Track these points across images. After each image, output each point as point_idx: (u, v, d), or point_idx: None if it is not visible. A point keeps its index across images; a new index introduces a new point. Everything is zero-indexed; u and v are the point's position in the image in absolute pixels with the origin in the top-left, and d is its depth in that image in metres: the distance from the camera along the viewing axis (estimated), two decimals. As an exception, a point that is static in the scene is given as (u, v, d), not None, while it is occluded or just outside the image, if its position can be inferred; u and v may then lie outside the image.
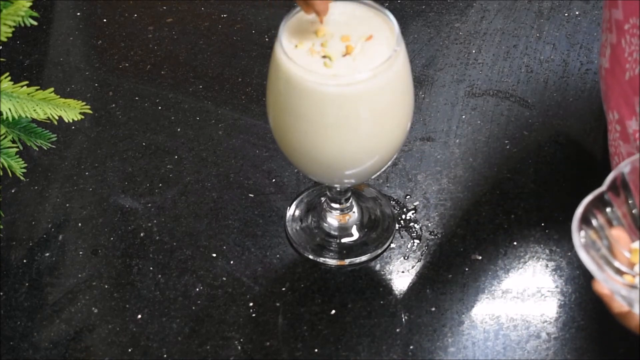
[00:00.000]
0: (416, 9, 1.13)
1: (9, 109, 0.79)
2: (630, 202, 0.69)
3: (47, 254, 0.90)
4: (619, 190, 0.69)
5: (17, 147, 0.85)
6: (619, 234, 0.68)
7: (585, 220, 0.68)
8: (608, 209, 0.69)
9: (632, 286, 0.65)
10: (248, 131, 1.01)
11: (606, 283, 0.64)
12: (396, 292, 0.87)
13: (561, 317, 0.85)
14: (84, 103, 0.84)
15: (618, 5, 0.81)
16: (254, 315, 0.85)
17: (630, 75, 0.80)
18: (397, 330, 0.84)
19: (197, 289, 0.87)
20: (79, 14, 1.14)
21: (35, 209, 0.94)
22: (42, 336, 0.84)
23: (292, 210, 0.93)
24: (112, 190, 0.95)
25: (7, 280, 0.88)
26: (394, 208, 0.93)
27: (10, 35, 0.76)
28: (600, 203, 0.68)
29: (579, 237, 0.66)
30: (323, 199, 0.92)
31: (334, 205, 0.90)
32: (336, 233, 0.91)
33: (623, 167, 0.69)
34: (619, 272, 0.67)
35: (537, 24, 1.10)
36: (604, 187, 0.68)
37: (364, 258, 0.89)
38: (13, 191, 0.95)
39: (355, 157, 0.79)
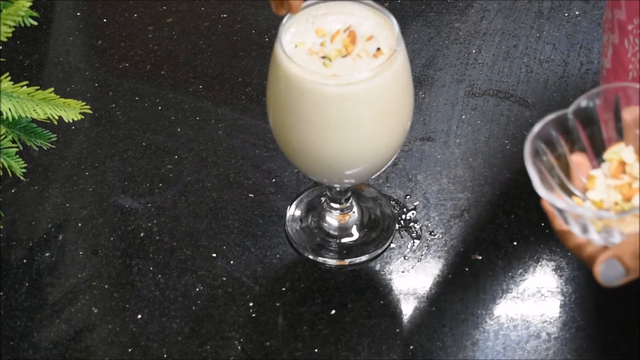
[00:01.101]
0: (416, 9, 1.13)
1: (9, 109, 0.79)
2: (591, 131, 0.70)
3: (47, 254, 0.90)
4: (584, 117, 0.69)
5: (17, 147, 0.85)
6: (579, 160, 0.69)
7: (545, 139, 0.68)
8: (570, 134, 0.69)
9: (576, 210, 0.65)
10: (248, 131, 1.01)
11: (548, 197, 0.65)
12: (396, 292, 0.87)
13: (561, 317, 0.85)
14: (84, 103, 0.84)
15: (621, 6, 0.81)
16: (254, 315, 0.85)
17: (633, 75, 0.80)
18: (397, 330, 0.84)
19: (197, 289, 0.87)
20: (79, 14, 1.14)
21: (35, 209, 0.94)
22: (42, 336, 0.84)
23: (292, 210, 0.93)
24: (112, 190, 0.95)
25: (7, 280, 0.88)
26: (394, 208, 0.93)
27: (10, 35, 0.76)
28: (562, 126, 0.69)
29: (529, 147, 0.67)
30: (323, 199, 0.92)
31: (334, 205, 0.90)
32: (336, 233, 0.91)
33: (593, 95, 0.69)
34: (570, 194, 0.68)
35: (537, 24, 1.10)
36: (569, 110, 0.69)
37: (364, 258, 0.89)
38: (13, 191, 0.95)
39: (355, 157, 0.79)
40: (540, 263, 0.89)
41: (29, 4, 0.76)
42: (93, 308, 0.86)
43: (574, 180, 0.69)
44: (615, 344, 0.82)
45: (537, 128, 0.68)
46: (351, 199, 0.91)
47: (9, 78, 0.79)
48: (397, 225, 0.92)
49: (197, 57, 1.08)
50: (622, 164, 0.68)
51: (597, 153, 0.70)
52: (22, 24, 0.77)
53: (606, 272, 0.65)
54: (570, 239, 0.67)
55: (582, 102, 0.69)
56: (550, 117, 0.69)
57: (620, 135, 0.69)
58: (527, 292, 0.87)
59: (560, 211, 0.66)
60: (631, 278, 0.65)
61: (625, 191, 0.66)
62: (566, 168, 0.69)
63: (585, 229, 0.65)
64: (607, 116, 0.69)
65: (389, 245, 0.90)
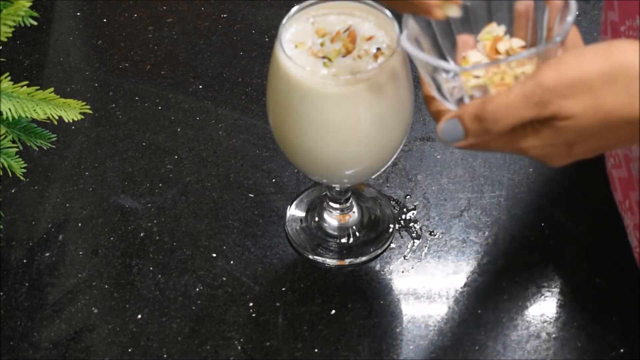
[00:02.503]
0: (416, 9, 1.12)
1: (9, 109, 0.79)
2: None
3: (47, 254, 0.90)
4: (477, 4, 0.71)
5: (17, 147, 0.85)
6: (466, 39, 0.70)
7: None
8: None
9: (427, 60, 0.66)
10: (248, 131, 1.01)
11: (408, 48, 0.66)
12: (396, 292, 0.87)
13: (561, 317, 0.85)
14: (84, 103, 0.84)
15: (614, 8, 0.81)
16: (254, 315, 0.85)
17: None
18: (397, 330, 0.85)
19: (197, 289, 0.87)
20: (79, 14, 1.14)
21: (35, 209, 0.94)
22: (42, 336, 0.84)
23: (292, 210, 0.93)
24: (112, 190, 0.95)
25: (7, 280, 0.88)
26: (394, 208, 0.93)
27: (10, 35, 0.76)
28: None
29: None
30: (323, 199, 0.92)
31: (334, 205, 0.90)
32: (336, 233, 0.91)
33: None
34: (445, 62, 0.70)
35: (537, 24, 1.10)
36: None
37: (364, 258, 0.89)
38: (13, 191, 0.95)
39: (355, 157, 0.79)
40: (540, 263, 0.89)
41: (29, 4, 0.76)
42: (93, 308, 0.86)
43: (457, 59, 0.70)
44: (615, 344, 0.82)
45: None
46: (351, 199, 0.91)
47: (9, 78, 0.79)
48: (397, 225, 0.92)
49: (197, 57, 1.08)
50: (496, 42, 0.69)
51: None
52: (22, 24, 0.77)
53: (447, 130, 0.66)
54: (432, 104, 0.69)
55: None
56: None
57: (508, 24, 0.71)
58: (527, 292, 0.87)
59: (417, 62, 0.67)
60: (470, 142, 0.65)
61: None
62: (453, 49, 0.71)
63: (439, 88, 0.67)
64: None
65: (389, 245, 0.90)
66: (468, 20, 0.72)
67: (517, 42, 0.69)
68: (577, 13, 0.63)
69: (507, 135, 0.65)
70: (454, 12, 0.69)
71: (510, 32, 0.71)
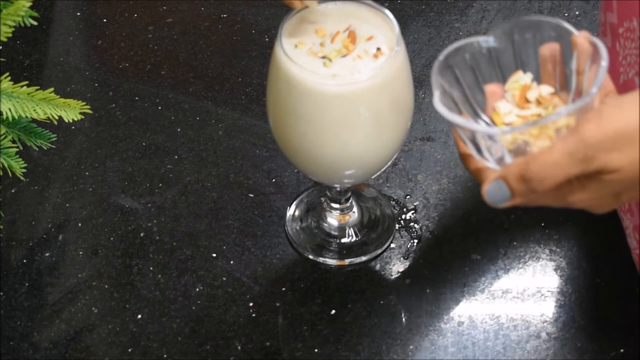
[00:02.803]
0: (416, 9, 1.13)
1: (9, 109, 0.79)
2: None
3: (47, 254, 0.90)
4: (501, 50, 0.70)
5: (17, 147, 0.85)
6: (494, 89, 0.70)
7: (458, 64, 0.69)
8: (481, 64, 0.70)
9: (467, 125, 0.65)
10: (248, 131, 1.01)
11: (443, 111, 0.65)
12: (396, 292, 0.87)
13: (561, 317, 0.85)
14: (84, 103, 0.84)
15: (613, 9, 0.81)
16: (254, 315, 0.85)
17: (624, 79, 0.80)
18: (397, 330, 0.85)
19: (197, 289, 0.87)
20: (79, 14, 1.14)
21: (35, 209, 0.94)
22: (42, 336, 0.84)
23: (292, 210, 0.93)
24: (112, 190, 0.95)
25: (7, 280, 0.88)
26: (394, 208, 0.93)
27: (10, 35, 0.76)
28: (476, 55, 0.70)
29: (439, 64, 0.68)
30: (323, 199, 0.92)
31: (334, 205, 0.90)
32: (336, 233, 0.91)
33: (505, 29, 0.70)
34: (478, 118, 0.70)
35: (537, 24, 1.10)
36: (480, 39, 0.70)
37: (364, 258, 0.89)
38: (13, 191, 0.95)
39: (355, 157, 0.79)
40: (540, 263, 0.89)
41: (29, 4, 0.76)
42: (93, 308, 0.86)
43: (487, 110, 0.70)
44: (615, 344, 0.82)
45: (449, 49, 0.69)
46: (351, 199, 0.91)
47: (9, 78, 0.79)
48: (397, 225, 0.92)
49: (197, 57, 1.08)
50: (525, 91, 0.69)
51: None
52: (22, 24, 0.77)
53: (493, 192, 0.65)
54: (471, 162, 0.69)
55: (496, 34, 0.70)
56: (464, 42, 0.69)
57: (535, 70, 0.70)
58: (527, 292, 0.87)
59: (456, 128, 0.66)
60: (517, 202, 0.65)
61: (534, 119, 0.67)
62: (482, 99, 0.70)
63: (479, 149, 0.66)
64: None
65: (389, 245, 0.90)
66: (493, 66, 0.71)
67: (546, 89, 0.68)
68: (607, 58, 0.63)
69: (554, 191, 0.64)
70: (313, 4, 0.70)
71: (537, 78, 0.70)
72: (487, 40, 0.70)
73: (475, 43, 0.70)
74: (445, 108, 0.66)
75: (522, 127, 0.64)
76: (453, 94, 0.69)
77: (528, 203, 0.65)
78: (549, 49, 0.69)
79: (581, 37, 0.66)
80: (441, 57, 0.68)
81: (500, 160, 0.66)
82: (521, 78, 0.69)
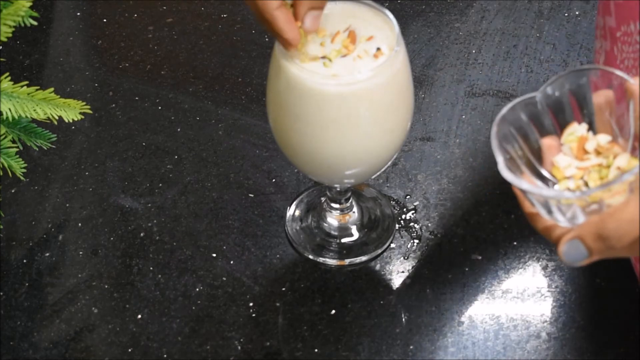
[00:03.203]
0: (416, 9, 1.13)
1: (9, 109, 0.79)
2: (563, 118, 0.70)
3: (47, 254, 0.90)
4: (553, 102, 0.70)
5: (17, 147, 0.85)
6: (550, 143, 0.69)
7: (514, 122, 0.69)
8: (540, 118, 0.69)
9: (536, 190, 0.65)
10: (248, 131, 1.01)
11: (510, 179, 0.65)
12: (396, 292, 0.87)
13: (561, 317, 0.85)
14: (84, 103, 0.84)
15: (611, 12, 0.81)
16: (254, 315, 0.85)
17: None
18: (397, 330, 0.85)
19: (197, 289, 0.87)
20: (79, 14, 1.14)
21: (35, 209, 0.94)
22: (42, 336, 0.84)
23: (292, 210, 0.93)
24: (112, 190, 0.95)
25: (7, 280, 0.88)
26: (394, 208, 0.93)
27: (10, 35, 0.76)
28: (531, 109, 0.69)
29: (496, 129, 0.67)
30: (323, 199, 0.92)
31: (334, 205, 0.90)
32: (336, 233, 0.91)
33: (561, 79, 0.69)
34: (541, 177, 0.69)
35: (537, 24, 1.10)
36: (537, 94, 0.69)
37: (364, 258, 0.89)
38: (13, 191, 0.95)
39: (355, 157, 0.79)
40: (540, 263, 0.89)
41: (29, 4, 0.76)
42: (93, 308, 0.86)
43: (546, 164, 0.69)
44: (615, 344, 0.82)
45: (504, 110, 0.68)
46: (351, 199, 0.91)
47: (9, 78, 0.79)
48: (397, 225, 0.92)
49: (197, 57, 1.08)
50: (582, 143, 0.68)
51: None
52: (22, 24, 0.77)
53: (570, 252, 0.65)
54: (539, 221, 0.68)
55: (548, 88, 0.69)
56: (519, 100, 0.69)
57: (588, 119, 0.69)
58: (527, 292, 0.87)
59: (526, 193, 0.66)
60: (594, 259, 0.65)
61: (597, 172, 0.67)
62: (538, 152, 0.70)
63: (549, 210, 0.66)
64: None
65: (389, 245, 0.90)
66: (546, 119, 0.70)
67: (604, 138, 0.68)
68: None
69: (631, 244, 0.64)
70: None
71: (593, 127, 0.69)
72: (538, 96, 0.69)
73: (528, 99, 0.69)
74: (512, 174, 0.65)
75: (596, 189, 0.64)
76: (512, 153, 0.69)
77: (606, 257, 0.65)
78: (604, 96, 0.68)
79: (635, 85, 0.66)
80: (498, 119, 0.68)
81: (572, 219, 0.65)
82: (577, 130, 0.69)
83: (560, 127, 0.70)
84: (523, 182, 0.65)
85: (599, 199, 0.64)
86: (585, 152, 0.68)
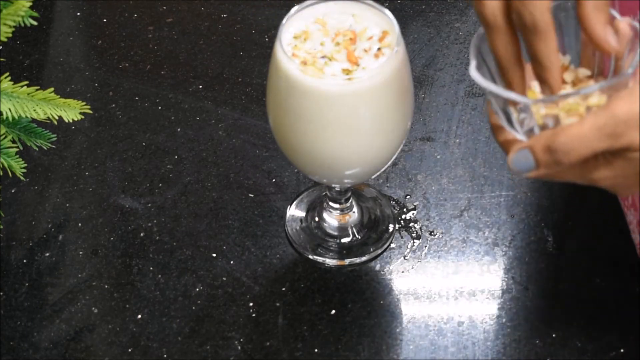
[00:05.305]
0: (416, 9, 1.13)
1: (9, 109, 0.79)
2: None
3: (47, 254, 0.90)
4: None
5: (17, 147, 0.85)
6: (529, 69, 0.69)
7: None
8: None
9: (498, 92, 0.65)
10: (248, 131, 1.01)
11: (477, 78, 0.65)
12: (396, 292, 0.87)
13: (561, 317, 0.85)
14: (84, 103, 0.84)
15: (615, 6, 0.81)
16: (254, 315, 0.85)
17: None
18: (397, 330, 0.85)
19: (197, 289, 0.87)
20: (79, 14, 1.14)
21: (35, 209, 0.94)
22: (42, 336, 0.84)
23: (292, 210, 0.93)
24: (112, 190, 0.95)
25: (7, 280, 0.88)
26: (394, 208, 0.93)
27: (10, 35, 0.76)
28: None
29: (478, 37, 0.68)
30: (323, 199, 0.92)
31: (334, 205, 0.90)
32: (336, 233, 0.91)
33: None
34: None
35: (537, 24, 1.10)
36: None
37: (364, 258, 0.89)
38: (13, 191, 0.95)
39: (355, 157, 0.79)
40: (540, 263, 0.89)
41: (29, 4, 0.76)
42: (93, 308, 0.86)
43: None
44: (615, 344, 0.82)
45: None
46: (351, 199, 0.91)
47: (9, 78, 0.79)
48: (397, 225, 0.92)
49: (197, 57, 1.08)
50: (562, 72, 0.68)
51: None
52: (22, 24, 0.77)
53: (519, 160, 0.65)
54: (500, 133, 0.69)
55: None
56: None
57: (576, 53, 0.70)
58: (527, 292, 0.87)
59: (490, 98, 0.66)
60: (541, 173, 0.65)
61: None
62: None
63: (509, 120, 0.66)
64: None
65: (389, 245, 0.90)
66: None
67: (583, 72, 0.68)
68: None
69: (579, 166, 0.64)
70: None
71: (576, 61, 0.69)
72: None
73: None
74: (480, 75, 0.66)
75: (554, 97, 0.64)
76: (490, 67, 0.69)
77: (552, 176, 0.65)
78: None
79: (623, 22, 0.66)
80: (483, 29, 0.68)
81: (529, 133, 0.66)
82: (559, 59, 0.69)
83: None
84: (488, 83, 0.65)
85: (555, 116, 0.64)
86: (564, 82, 0.68)
